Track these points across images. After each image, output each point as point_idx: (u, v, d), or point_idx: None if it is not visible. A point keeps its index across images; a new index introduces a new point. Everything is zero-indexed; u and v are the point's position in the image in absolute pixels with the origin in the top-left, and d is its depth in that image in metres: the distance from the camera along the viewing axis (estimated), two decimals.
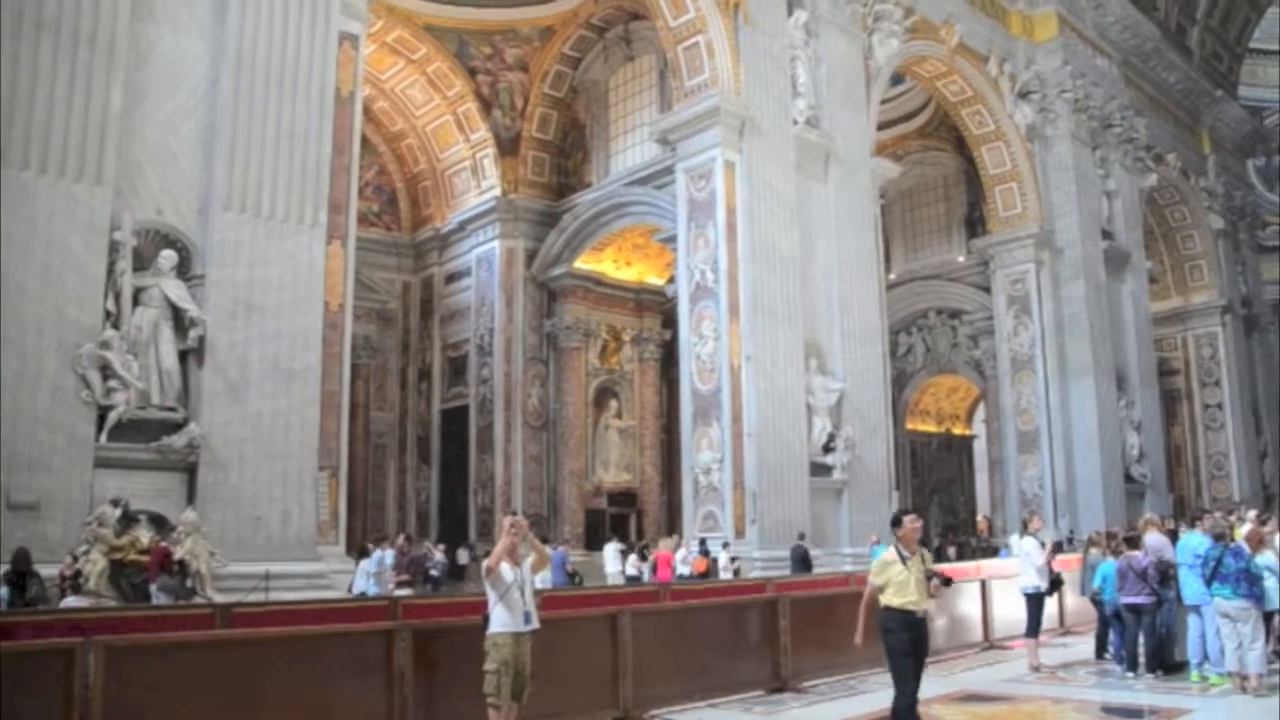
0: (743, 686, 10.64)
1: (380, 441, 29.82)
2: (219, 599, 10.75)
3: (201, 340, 12.33)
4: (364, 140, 22.57)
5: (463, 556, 24.06)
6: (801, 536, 18.79)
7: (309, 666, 7.54)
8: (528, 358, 27.66)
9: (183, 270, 12.47)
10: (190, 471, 12.18)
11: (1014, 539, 13.69)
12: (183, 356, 12.40)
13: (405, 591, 15.95)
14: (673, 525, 25.82)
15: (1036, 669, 11.72)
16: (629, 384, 29.07)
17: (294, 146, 13.31)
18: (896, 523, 7.92)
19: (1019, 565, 12.58)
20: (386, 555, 16.22)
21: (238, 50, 13.00)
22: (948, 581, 8.27)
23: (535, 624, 7.51)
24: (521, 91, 28.27)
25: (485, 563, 7.50)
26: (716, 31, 19.81)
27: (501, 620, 7.35)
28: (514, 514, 8.24)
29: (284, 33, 13.42)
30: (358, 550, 16.70)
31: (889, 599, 7.52)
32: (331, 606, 10.80)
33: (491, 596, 7.42)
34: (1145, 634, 11.39)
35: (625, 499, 28.46)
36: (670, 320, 25.89)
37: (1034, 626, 12.00)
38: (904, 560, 7.57)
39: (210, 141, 12.80)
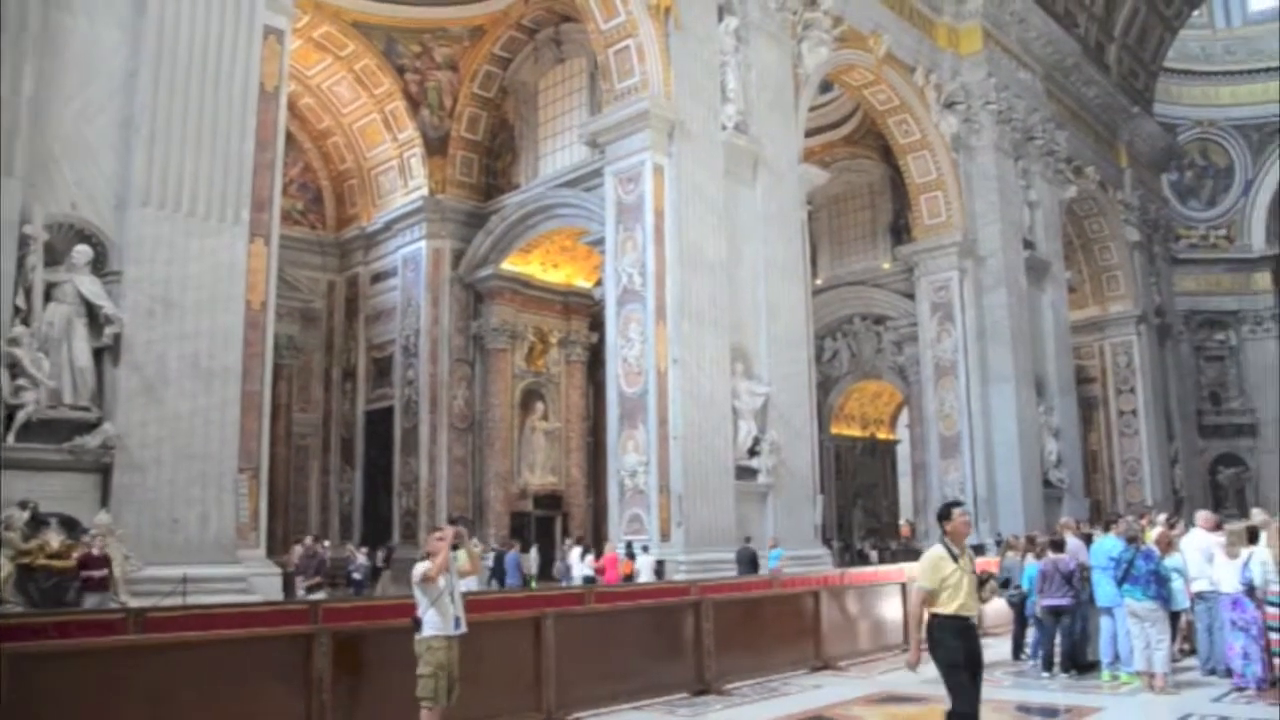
0: (667, 689, 10.66)
1: (303, 443, 29.36)
2: (133, 603, 10.51)
3: (117, 338, 11.97)
4: (289, 137, 22.19)
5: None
6: (747, 539, 19.04)
7: (225, 672, 7.40)
8: (454, 359, 27.45)
9: (98, 266, 12.10)
10: (104, 473, 11.83)
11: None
12: (97, 355, 12.03)
13: (320, 595, 15.76)
14: (598, 528, 25.80)
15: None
16: (555, 386, 28.98)
17: (216, 142, 13.02)
18: (945, 516, 7.03)
19: None
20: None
21: (158, 42, 12.67)
22: (1005, 583, 7.74)
23: (464, 628, 7.51)
24: (450, 91, 28.06)
25: (423, 570, 7.37)
26: (647, 36, 19.84)
27: (434, 624, 7.32)
28: (453, 522, 8.51)
29: (206, 25, 13.13)
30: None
31: (940, 605, 6.68)
32: (250, 611, 10.57)
33: (423, 602, 7.40)
34: (1063, 635, 11.67)
35: (551, 502, 28.36)
36: (597, 323, 25.85)
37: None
38: (955, 559, 6.75)
39: (128, 135, 12.45)
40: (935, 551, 6.85)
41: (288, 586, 16.32)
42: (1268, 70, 42.85)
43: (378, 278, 29.56)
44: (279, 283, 15.98)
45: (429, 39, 27.32)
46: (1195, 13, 40.73)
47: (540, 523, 27.60)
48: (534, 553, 22.84)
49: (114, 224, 12.31)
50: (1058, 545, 12.34)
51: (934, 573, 6.71)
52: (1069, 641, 11.73)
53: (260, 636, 8.38)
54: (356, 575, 22.13)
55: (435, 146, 28.13)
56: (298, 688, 7.61)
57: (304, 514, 28.77)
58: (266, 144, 14.02)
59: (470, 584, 19.85)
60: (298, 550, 19.18)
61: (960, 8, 28.21)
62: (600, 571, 17.97)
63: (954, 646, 6.61)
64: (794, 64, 22.70)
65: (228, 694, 7.28)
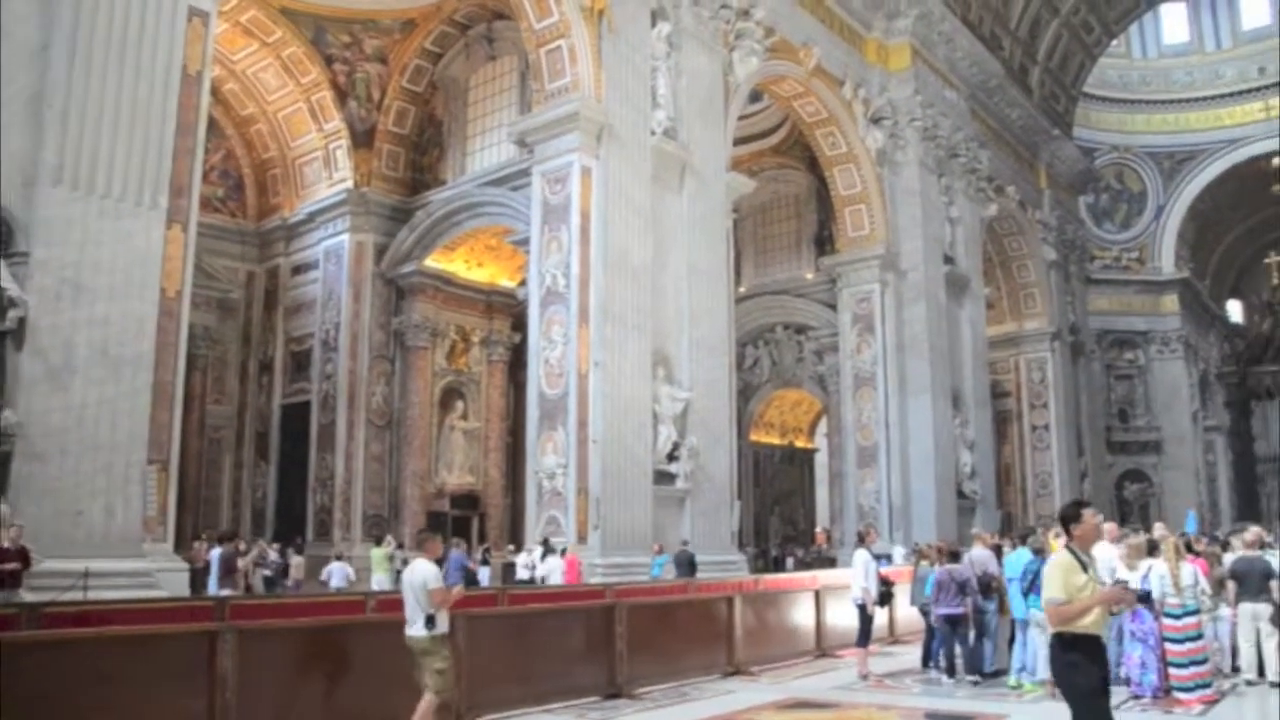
0: (579, 692, 10.64)
1: (216, 435, 28.78)
2: (30, 598, 10.18)
3: (21, 322, 11.54)
4: (211, 122, 21.78)
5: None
6: (685, 542, 19.15)
7: (124, 671, 7.18)
8: (374, 355, 27.11)
9: (2, 247, 11.66)
10: (3, 462, 11.41)
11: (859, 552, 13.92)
12: None
13: (229, 591, 15.45)
14: (516, 529, 25.67)
15: (865, 677, 12.04)
16: (476, 385, 28.78)
17: (134, 123, 12.66)
18: (1073, 517, 5.89)
19: (852, 576, 12.89)
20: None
21: (74, 15, 12.24)
22: (1146, 596, 6.45)
23: None
24: (379, 83, 27.74)
25: (437, 583, 7.74)
26: (579, 37, 19.78)
27: (444, 623, 7.70)
28: (433, 535, 8.81)
29: (127, 2, 12.78)
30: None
31: (1072, 622, 5.59)
32: (154, 607, 10.32)
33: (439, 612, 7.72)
34: (960, 643, 11.94)
35: (468, 501, 28.15)
36: (520, 323, 25.73)
37: (864, 636, 12.33)
38: (1085, 568, 5.70)
39: (39, 111, 12.02)
40: (1063, 559, 5.78)
41: (195, 583, 15.98)
42: (1179, 101, 44.43)
43: (298, 270, 29.10)
44: (196, 271, 15.63)
45: (359, 30, 26.97)
46: (1114, 42, 41.93)
47: (457, 523, 27.35)
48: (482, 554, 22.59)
49: (21, 203, 11.85)
50: (953, 556, 12.66)
51: (1066, 583, 5.61)
52: (968, 649, 11.99)
53: (161, 634, 8.16)
54: (268, 573, 21.74)
55: (362, 139, 27.78)
56: (200, 687, 7.43)
57: (215, 508, 28.20)
58: (187, 128, 13.68)
59: (382, 581, 19.82)
60: (206, 546, 18.79)
61: (890, 25, 28.59)
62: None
63: (1093, 671, 5.59)
64: (725, 72, 22.80)
65: (127, 694, 7.08)
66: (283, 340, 29.07)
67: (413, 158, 28.67)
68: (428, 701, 7.62)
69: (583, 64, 19.79)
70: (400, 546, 22.22)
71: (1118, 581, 7.39)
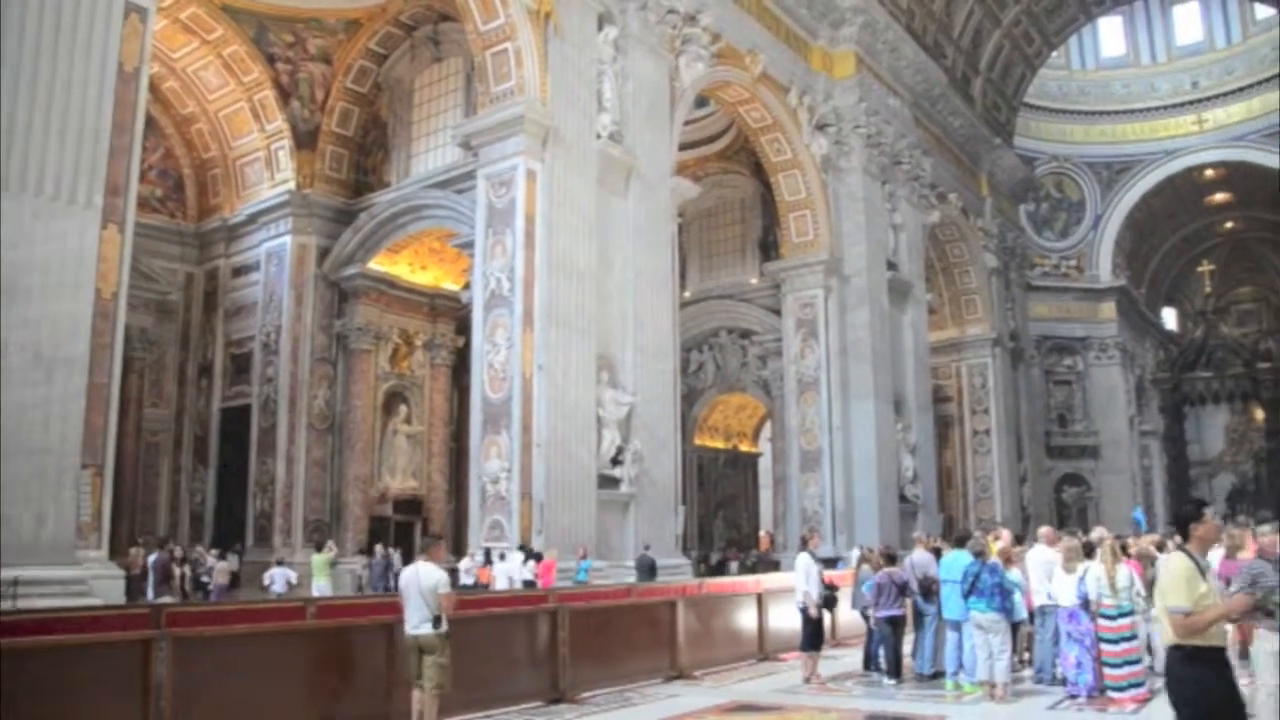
0: (521, 697, 10.62)
1: (154, 440, 28.28)
2: None
3: None
4: (150, 121, 21.46)
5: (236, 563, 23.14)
6: (647, 547, 19.22)
7: (55, 681, 7.02)
8: (315, 358, 26.77)
9: None
10: None
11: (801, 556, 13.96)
12: None
13: (167, 599, 15.22)
14: (459, 534, 25.48)
15: (808, 680, 12.11)
16: (419, 389, 28.56)
17: (69, 121, 12.40)
18: (1194, 517, 5.39)
19: (796, 580, 12.93)
20: None
21: (5, 10, 11.98)
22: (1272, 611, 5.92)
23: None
24: (323, 84, 27.45)
25: (445, 588, 8.61)
26: (526, 40, 19.72)
27: (445, 624, 8.53)
28: (438, 540, 9.90)
29: None
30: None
31: (1194, 634, 5.02)
32: (87, 615, 10.09)
33: (434, 605, 8.47)
34: (896, 645, 12.14)
35: (411, 506, 27.93)
36: (464, 327, 25.55)
37: (809, 639, 12.38)
38: (1204, 574, 5.14)
39: None
40: (1181, 564, 5.18)
41: (131, 590, 15.70)
42: (1116, 113, 45.41)
43: (239, 271, 28.68)
44: (134, 272, 15.39)
45: (302, 29, 26.69)
46: (1054, 54, 42.72)
47: (400, 527, 27.13)
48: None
49: None
50: (891, 559, 12.81)
51: (1190, 590, 5.03)
52: (895, 652, 12.17)
53: (94, 643, 8.01)
54: (205, 579, 21.46)
55: (305, 140, 27.46)
56: (134, 696, 7.29)
57: (152, 514, 27.73)
58: (124, 126, 13.43)
59: (324, 587, 19.62)
60: (143, 552, 18.49)
61: (835, 33, 28.83)
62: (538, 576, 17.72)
63: (1221, 692, 5.00)
64: (671, 77, 22.86)
65: (59, 704, 6.93)
66: (222, 343, 28.61)
67: (357, 159, 28.38)
68: (430, 695, 8.44)
69: (528, 67, 19.74)
70: (366, 551, 21.84)
71: (1255, 584, 6.89)
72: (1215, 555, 10.62)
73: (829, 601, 12.82)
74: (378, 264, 27.02)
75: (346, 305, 27.22)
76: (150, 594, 16.09)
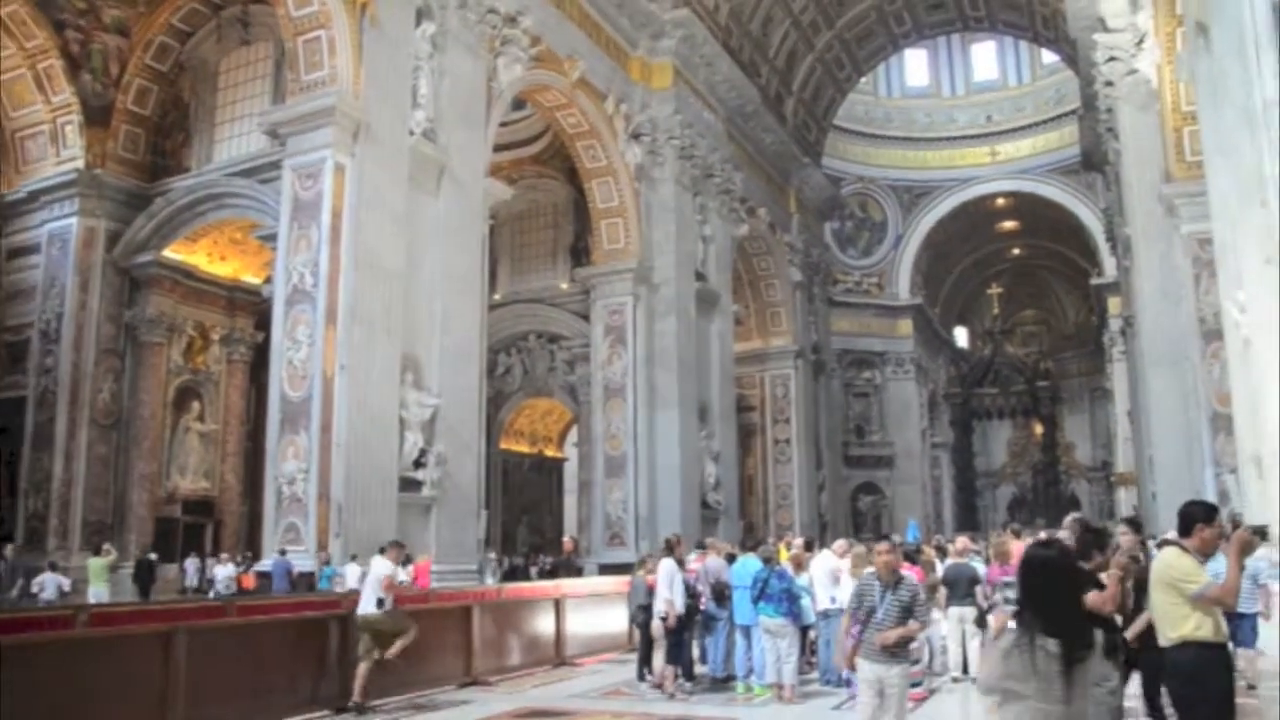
0: (310, 705, 10.40)
1: None
2: None
3: None
4: None
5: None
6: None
7: None
8: (101, 349, 25.19)
9: None
10: None
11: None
12: None
13: None
14: (253, 537, 24.54)
15: (659, 687, 12.00)
16: (215, 386, 27.34)
17: None
18: (1206, 519, 5.33)
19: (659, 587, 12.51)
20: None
21: None
22: None
23: None
24: (118, 58, 25.88)
25: (391, 580, 10.95)
26: (340, 29, 19.18)
27: (390, 603, 10.79)
28: (398, 545, 11.82)
29: None
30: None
31: (1196, 630, 4.97)
32: None
33: (376, 590, 10.67)
34: (684, 648, 12.36)
35: (202, 507, 26.70)
36: (264, 322, 24.59)
37: (669, 649, 12.09)
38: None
39: None
40: (1180, 560, 5.13)
41: None
42: (918, 140, 47.85)
43: (17, 253, 26.70)
44: None
45: None
46: (863, 80, 44.61)
47: (189, 530, 25.91)
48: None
49: None
50: (679, 563, 12.94)
51: (1200, 571, 5.02)
52: (687, 654, 12.38)
53: None
54: None
55: (96, 116, 25.81)
56: None
57: None
58: None
59: (101, 594, 18.59)
60: None
61: (655, 44, 29.19)
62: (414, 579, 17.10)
63: (1223, 690, 4.97)
64: (488, 78, 22.65)
65: None
66: None
67: (154, 140, 26.86)
68: (396, 648, 10.51)
69: (342, 57, 19.22)
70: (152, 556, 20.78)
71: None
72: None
73: (690, 611, 12.31)
74: (174, 252, 25.70)
75: (138, 295, 25.77)
76: None
